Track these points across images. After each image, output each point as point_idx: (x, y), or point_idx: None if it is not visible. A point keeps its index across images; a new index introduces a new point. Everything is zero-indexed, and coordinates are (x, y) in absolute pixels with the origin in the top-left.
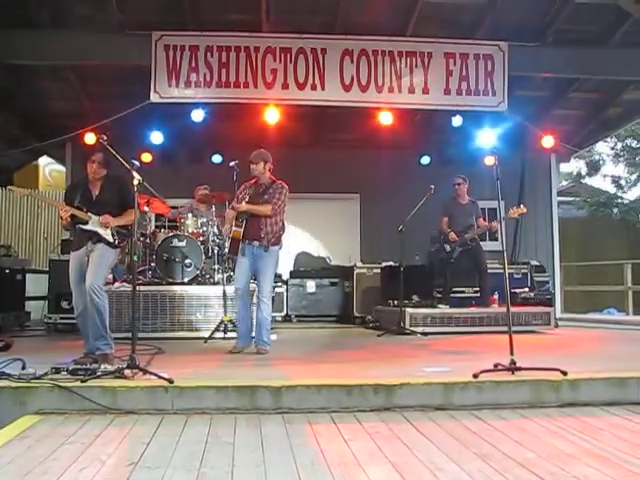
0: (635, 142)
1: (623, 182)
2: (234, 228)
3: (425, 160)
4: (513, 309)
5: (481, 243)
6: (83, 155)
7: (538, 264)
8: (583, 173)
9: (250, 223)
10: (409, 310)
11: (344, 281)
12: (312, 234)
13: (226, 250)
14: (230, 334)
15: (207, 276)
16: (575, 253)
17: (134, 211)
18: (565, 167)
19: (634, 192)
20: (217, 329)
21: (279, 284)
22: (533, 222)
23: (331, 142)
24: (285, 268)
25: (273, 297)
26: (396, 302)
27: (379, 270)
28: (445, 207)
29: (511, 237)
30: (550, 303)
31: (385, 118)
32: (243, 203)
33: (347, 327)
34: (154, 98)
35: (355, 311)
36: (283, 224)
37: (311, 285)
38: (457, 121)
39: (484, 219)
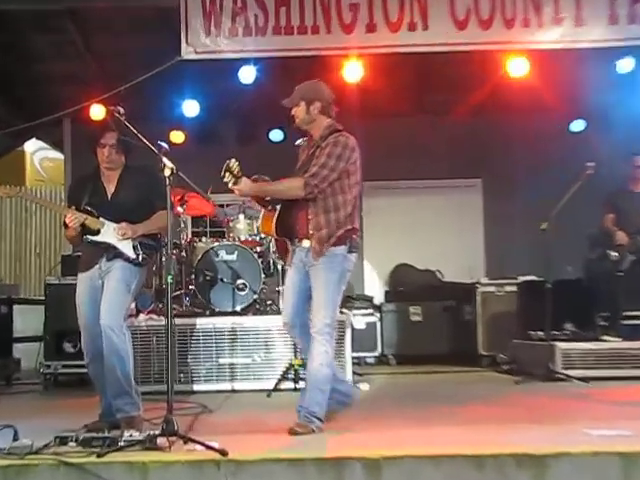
0: None
1: None
2: (261, 215)
3: (577, 126)
4: None
5: None
6: (89, 136)
7: None
8: None
9: (289, 210)
10: (561, 345)
11: (463, 305)
12: (415, 238)
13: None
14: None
15: (268, 302)
16: None
17: (166, 213)
18: None
19: None
20: (284, 377)
21: (370, 311)
22: None
23: (439, 106)
24: (377, 288)
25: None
26: (541, 333)
27: (514, 288)
28: (611, 198)
29: None
30: None
31: (517, 67)
32: (242, 181)
33: (469, 371)
34: (186, 53)
35: (480, 347)
36: (353, 208)
37: (416, 311)
38: (625, 66)
39: None
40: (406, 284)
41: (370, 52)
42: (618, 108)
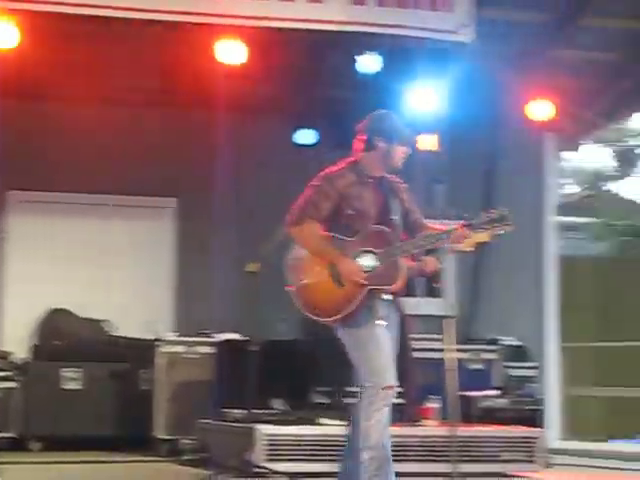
0: None
1: None
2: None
3: (305, 137)
4: (466, 431)
5: (407, 300)
6: None
7: (517, 344)
8: (607, 172)
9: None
10: (264, 429)
11: (139, 369)
12: (76, 275)
13: None
14: None
15: None
16: (591, 324)
17: None
18: (572, 161)
19: None
20: None
21: (6, 373)
22: (509, 261)
23: (121, 97)
24: (20, 340)
25: None
26: (239, 412)
27: (210, 349)
28: None
29: (465, 289)
30: (537, 420)
31: (228, 51)
32: None
33: (143, 461)
34: None
35: (159, 429)
36: None
37: (72, 376)
38: (367, 64)
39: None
40: (61, 337)
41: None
42: (354, 116)
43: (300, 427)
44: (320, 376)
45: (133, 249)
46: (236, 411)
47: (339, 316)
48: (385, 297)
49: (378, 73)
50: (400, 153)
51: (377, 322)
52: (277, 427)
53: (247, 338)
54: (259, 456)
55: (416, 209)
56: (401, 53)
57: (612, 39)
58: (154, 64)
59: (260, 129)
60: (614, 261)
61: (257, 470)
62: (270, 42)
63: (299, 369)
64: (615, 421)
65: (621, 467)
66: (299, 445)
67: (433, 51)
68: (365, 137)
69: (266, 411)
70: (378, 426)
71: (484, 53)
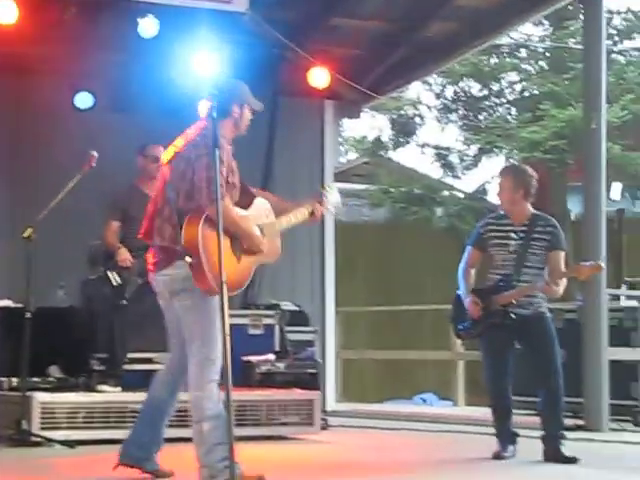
0: (479, 86)
1: (455, 159)
2: None
3: (84, 101)
4: (244, 395)
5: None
6: None
7: (295, 309)
8: (385, 140)
9: None
10: (40, 397)
11: None
12: None
13: None
14: None
15: None
16: (368, 289)
17: None
18: (352, 128)
19: (472, 178)
20: None
21: None
22: (287, 231)
23: None
24: None
25: None
26: (15, 380)
27: None
28: (118, 200)
29: None
30: (315, 383)
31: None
32: None
33: None
34: None
35: None
36: None
37: None
38: (148, 28)
39: None
40: None
41: None
42: (135, 81)
43: (77, 394)
44: (98, 343)
45: None
46: (11, 379)
47: (239, 290)
48: None
49: (158, 37)
50: (248, 119)
51: None
52: (53, 395)
53: (20, 305)
54: (35, 424)
55: None
56: (180, 18)
57: (388, 8)
58: None
59: (38, 91)
60: (389, 227)
61: (33, 439)
62: (42, 1)
63: (76, 336)
64: (392, 383)
65: (395, 427)
66: (76, 412)
67: (211, 18)
68: (217, 104)
69: (42, 379)
70: (212, 397)
71: (263, 21)
